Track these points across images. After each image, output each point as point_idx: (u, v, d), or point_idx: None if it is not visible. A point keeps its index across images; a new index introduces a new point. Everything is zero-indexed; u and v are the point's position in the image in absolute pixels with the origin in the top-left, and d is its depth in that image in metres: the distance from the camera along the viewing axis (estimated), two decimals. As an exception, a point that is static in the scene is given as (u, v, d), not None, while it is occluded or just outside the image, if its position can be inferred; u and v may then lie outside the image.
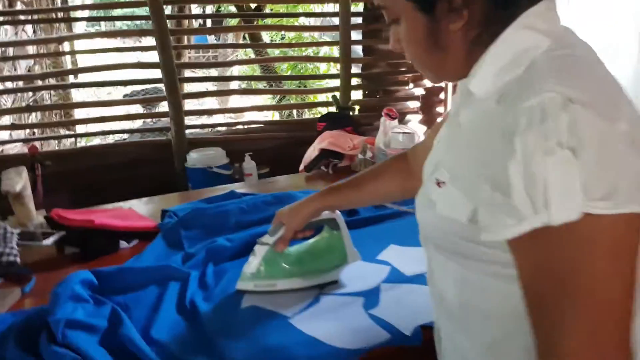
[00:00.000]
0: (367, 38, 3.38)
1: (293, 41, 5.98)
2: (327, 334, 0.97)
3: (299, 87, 5.75)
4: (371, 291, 1.12)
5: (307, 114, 5.69)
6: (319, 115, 4.35)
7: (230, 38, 7.36)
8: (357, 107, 3.12)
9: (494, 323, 0.66)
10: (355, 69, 3.37)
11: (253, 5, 4.91)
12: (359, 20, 3.33)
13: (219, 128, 3.44)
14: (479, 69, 0.59)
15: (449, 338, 0.78)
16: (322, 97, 3.78)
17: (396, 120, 1.90)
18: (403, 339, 0.97)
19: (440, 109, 3.71)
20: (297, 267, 1.12)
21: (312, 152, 2.19)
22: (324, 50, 6.00)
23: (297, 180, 2.00)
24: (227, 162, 3.13)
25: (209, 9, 6.62)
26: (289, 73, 6.11)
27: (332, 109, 3.45)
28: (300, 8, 3.88)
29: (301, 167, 2.33)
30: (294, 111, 5.79)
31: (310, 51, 5.59)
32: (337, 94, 3.26)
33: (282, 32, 7.07)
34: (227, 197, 1.63)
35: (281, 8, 5.50)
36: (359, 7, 3.42)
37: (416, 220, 0.99)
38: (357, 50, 3.56)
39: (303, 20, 5.85)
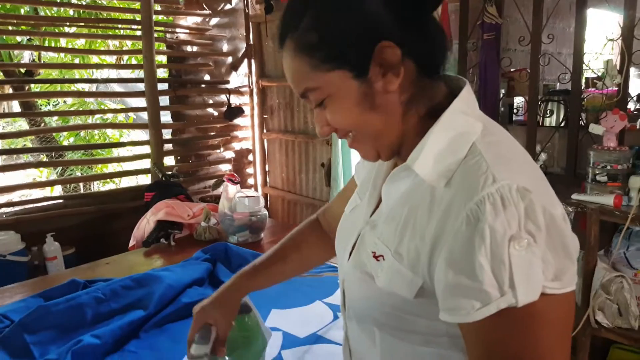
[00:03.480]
0: (174, 104, 3.35)
1: (76, 105, 5.49)
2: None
3: (86, 155, 5.24)
4: (275, 361, 1.10)
5: (105, 182, 5.24)
6: (123, 185, 4.00)
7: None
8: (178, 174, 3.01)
9: None
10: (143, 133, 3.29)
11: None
12: (165, 86, 3.29)
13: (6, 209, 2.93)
14: (422, 151, 0.60)
15: None
16: (127, 165, 3.55)
17: (238, 185, 1.92)
18: (322, 401, 0.98)
19: (249, 169, 3.85)
20: None
21: (145, 226, 2.05)
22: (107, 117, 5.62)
23: (136, 258, 1.84)
24: (23, 247, 2.68)
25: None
26: (71, 142, 5.55)
27: (143, 178, 3.26)
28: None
29: (131, 242, 2.15)
30: (80, 184, 5.26)
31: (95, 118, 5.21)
32: (148, 160, 3.13)
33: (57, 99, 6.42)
34: (69, 288, 1.40)
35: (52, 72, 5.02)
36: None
37: (283, 282, 0.97)
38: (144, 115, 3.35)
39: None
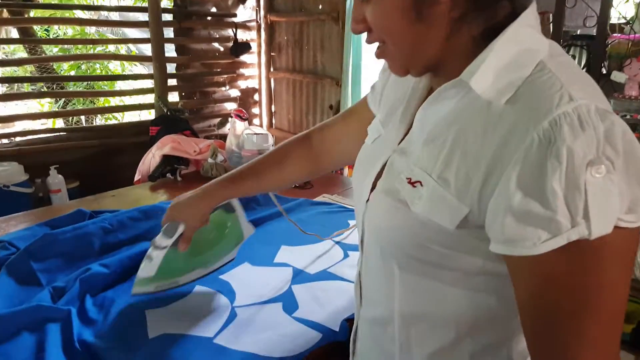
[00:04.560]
0: (178, 36, 3.23)
1: (77, 36, 5.33)
2: (261, 346, 0.92)
3: (87, 89, 5.16)
4: (285, 294, 1.09)
5: (107, 119, 5.17)
6: (127, 120, 3.90)
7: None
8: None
9: (442, 331, 0.63)
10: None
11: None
12: (169, 17, 3.15)
13: (10, 139, 2.89)
14: (481, 64, 0.53)
15: (378, 344, 0.73)
16: (128, 100, 3.47)
17: (246, 122, 1.86)
18: (333, 335, 0.97)
19: (255, 109, 3.77)
20: (198, 258, 1.07)
21: (151, 160, 2.01)
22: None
23: (142, 191, 1.81)
24: (26, 179, 2.66)
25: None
26: (72, 74, 5.43)
27: (145, 114, 3.20)
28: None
29: (137, 177, 2.13)
30: (82, 117, 5.20)
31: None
32: (153, 95, 3.05)
33: (56, 27, 6.23)
34: (75, 218, 1.38)
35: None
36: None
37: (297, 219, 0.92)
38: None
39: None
